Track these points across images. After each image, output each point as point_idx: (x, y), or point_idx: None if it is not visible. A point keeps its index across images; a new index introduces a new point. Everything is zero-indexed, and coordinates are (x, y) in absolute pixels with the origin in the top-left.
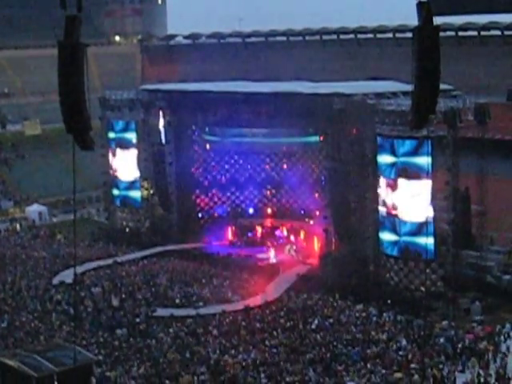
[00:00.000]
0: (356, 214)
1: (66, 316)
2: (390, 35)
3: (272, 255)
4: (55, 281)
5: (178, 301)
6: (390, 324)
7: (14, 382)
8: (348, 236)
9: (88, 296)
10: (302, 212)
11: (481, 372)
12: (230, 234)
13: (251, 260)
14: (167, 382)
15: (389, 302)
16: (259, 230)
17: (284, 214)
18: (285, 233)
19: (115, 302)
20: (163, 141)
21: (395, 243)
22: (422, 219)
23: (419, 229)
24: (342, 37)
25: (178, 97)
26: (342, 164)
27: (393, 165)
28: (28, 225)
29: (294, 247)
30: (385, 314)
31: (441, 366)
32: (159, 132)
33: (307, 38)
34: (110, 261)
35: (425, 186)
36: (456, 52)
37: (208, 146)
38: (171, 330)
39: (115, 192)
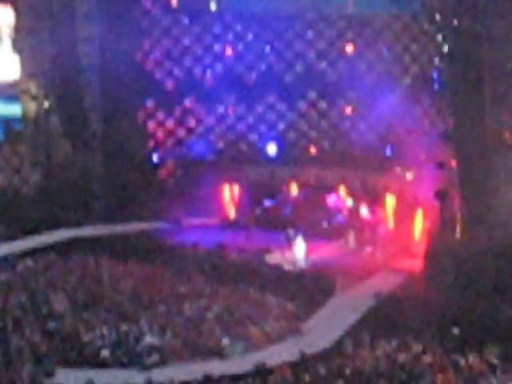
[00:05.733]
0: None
1: None
2: None
3: (300, 252)
4: None
5: (104, 352)
6: None
7: None
8: (490, 207)
9: None
10: (387, 154)
11: None
12: (224, 201)
13: (268, 261)
14: None
15: None
16: (291, 191)
17: (346, 157)
18: (348, 200)
19: None
20: None
21: None
22: None
23: None
24: None
25: None
26: (481, 49)
27: None
28: None
29: (369, 234)
30: None
31: None
32: None
33: None
34: None
35: None
36: None
37: (175, 2)
38: None
39: None
